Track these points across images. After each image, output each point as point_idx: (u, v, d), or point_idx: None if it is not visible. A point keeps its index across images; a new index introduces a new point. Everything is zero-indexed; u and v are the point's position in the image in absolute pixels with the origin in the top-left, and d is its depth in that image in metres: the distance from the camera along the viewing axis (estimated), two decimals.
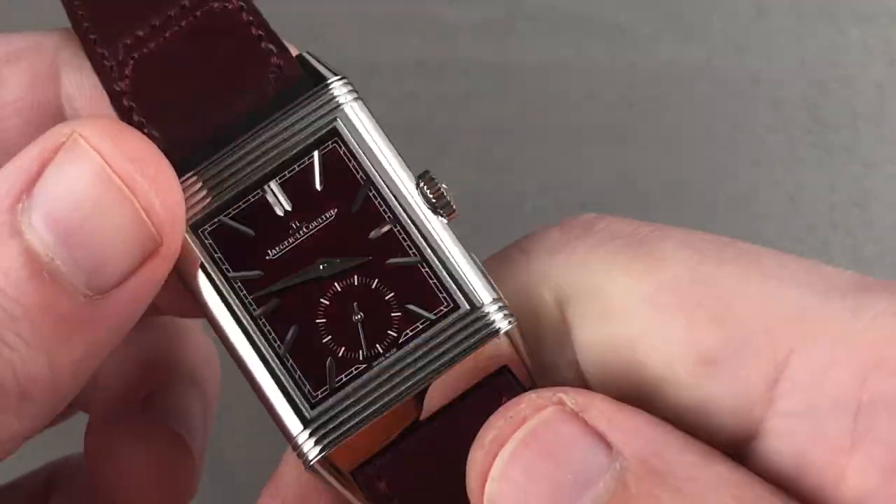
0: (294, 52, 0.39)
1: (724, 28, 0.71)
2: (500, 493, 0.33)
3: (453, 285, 0.37)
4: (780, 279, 0.34)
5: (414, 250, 0.37)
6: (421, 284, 0.37)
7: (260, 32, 0.38)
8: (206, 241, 0.37)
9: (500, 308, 0.36)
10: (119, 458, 0.46)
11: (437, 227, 0.37)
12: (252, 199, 0.37)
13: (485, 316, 0.36)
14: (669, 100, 0.70)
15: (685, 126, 0.70)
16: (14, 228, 0.34)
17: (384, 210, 0.37)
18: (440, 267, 0.37)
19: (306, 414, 0.36)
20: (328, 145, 0.38)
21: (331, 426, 0.36)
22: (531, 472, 0.33)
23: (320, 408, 0.36)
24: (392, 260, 0.37)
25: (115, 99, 0.38)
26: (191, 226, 0.37)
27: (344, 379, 0.36)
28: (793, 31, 0.71)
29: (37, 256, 0.34)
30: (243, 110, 0.37)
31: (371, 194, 0.37)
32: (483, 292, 0.36)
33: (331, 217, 0.37)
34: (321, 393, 0.36)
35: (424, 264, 0.37)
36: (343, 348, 0.37)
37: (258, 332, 0.36)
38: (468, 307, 0.36)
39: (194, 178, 0.37)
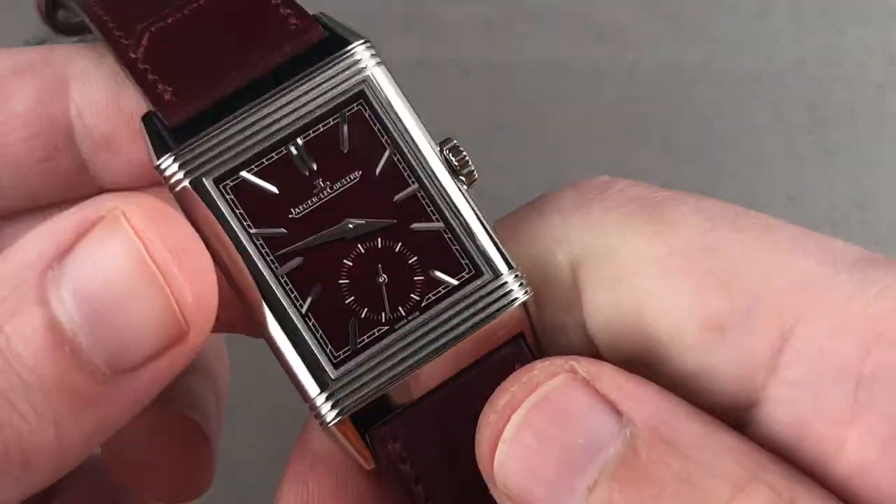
0: None
1: (724, 28, 0.72)
2: (511, 455, 0.34)
3: (475, 252, 0.37)
4: (790, 249, 0.35)
5: (437, 216, 0.37)
6: (444, 250, 0.37)
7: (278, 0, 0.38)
8: (227, 197, 0.37)
9: (517, 277, 0.37)
10: (136, 446, 0.45)
11: (459, 193, 0.37)
12: (276, 157, 0.37)
13: (504, 285, 0.37)
14: (669, 100, 0.70)
15: (685, 126, 0.70)
16: (41, 296, 0.33)
17: (408, 174, 0.37)
18: (463, 233, 0.37)
19: (328, 375, 0.36)
20: (353, 107, 0.37)
21: (350, 390, 0.36)
22: (543, 436, 0.33)
23: (342, 369, 0.36)
24: (416, 224, 0.37)
25: (131, 66, 0.38)
26: (213, 180, 0.36)
27: (366, 340, 0.36)
28: (793, 31, 0.71)
29: (60, 329, 0.33)
30: (263, 68, 0.37)
31: (396, 158, 0.37)
32: (503, 261, 0.37)
33: (355, 179, 0.37)
34: (343, 353, 0.36)
35: (448, 230, 0.37)
36: (366, 310, 0.36)
37: (281, 291, 0.36)
38: (490, 276, 0.37)
39: (216, 133, 0.36)
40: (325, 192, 0.37)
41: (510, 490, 0.34)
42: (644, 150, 0.70)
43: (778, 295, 0.34)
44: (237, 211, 0.36)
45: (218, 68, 0.37)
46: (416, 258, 0.37)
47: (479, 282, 0.37)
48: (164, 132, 0.37)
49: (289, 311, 0.36)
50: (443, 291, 0.37)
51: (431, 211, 0.37)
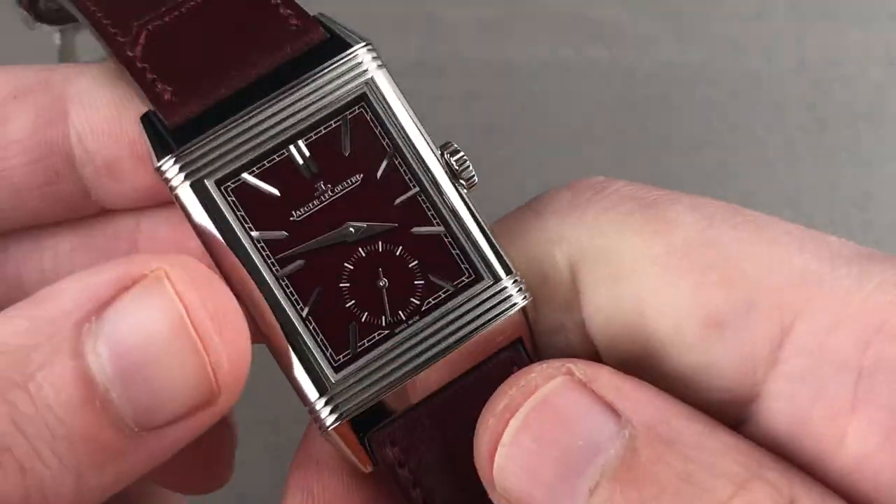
0: None
1: (724, 28, 0.72)
2: (510, 458, 0.34)
3: (475, 257, 0.37)
4: (787, 245, 0.35)
5: (438, 220, 0.37)
6: (444, 254, 0.37)
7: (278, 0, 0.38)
8: (228, 199, 0.36)
9: (516, 282, 0.37)
10: None
11: (459, 197, 0.37)
12: (277, 159, 0.37)
13: (504, 290, 0.37)
14: (669, 100, 0.70)
15: (685, 126, 0.70)
16: (76, 349, 0.33)
17: (409, 178, 0.37)
18: (463, 238, 0.37)
19: (328, 379, 0.36)
20: (355, 110, 0.37)
21: (349, 394, 0.36)
22: (542, 439, 0.34)
23: (342, 373, 0.36)
24: (417, 228, 0.37)
25: (129, 65, 0.38)
26: (215, 181, 0.36)
27: (366, 344, 0.36)
28: (793, 31, 0.71)
29: (93, 384, 0.33)
30: (264, 69, 0.37)
31: (396, 161, 0.37)
32: (502, 266, 0.37)
33: (356, 182, 0.37)
34: (343, 357, 0.36)
35: (448, 234, 0.37)
36: (366, 314, 0.36)
37: (281, 293, 0.36)
38: (489, 280, 0.37)
39: (217, 135, 0.36)
40: (326, 194, 0.37)
41: (509, 493, 0.34)
42: (644, 150, 0.70)
43: (777, 290, 0.34)
44: (238, 213, 0.36)
45: (218, 69, 0.37)
46: (416, 262, 0.37)
47: (478, 287, 0.37)
48: (164, 133, 0.37)
49: (289, 314, 0.36)
50: (443, 296, 0.37)
51: (432, 215, 0.37)
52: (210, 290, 0.34)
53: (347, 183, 0.37)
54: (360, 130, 0.37)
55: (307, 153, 0.37)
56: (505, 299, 0.37)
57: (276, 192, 0.37)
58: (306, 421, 0.38)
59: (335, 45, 0.38)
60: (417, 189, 0.37)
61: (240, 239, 0.36)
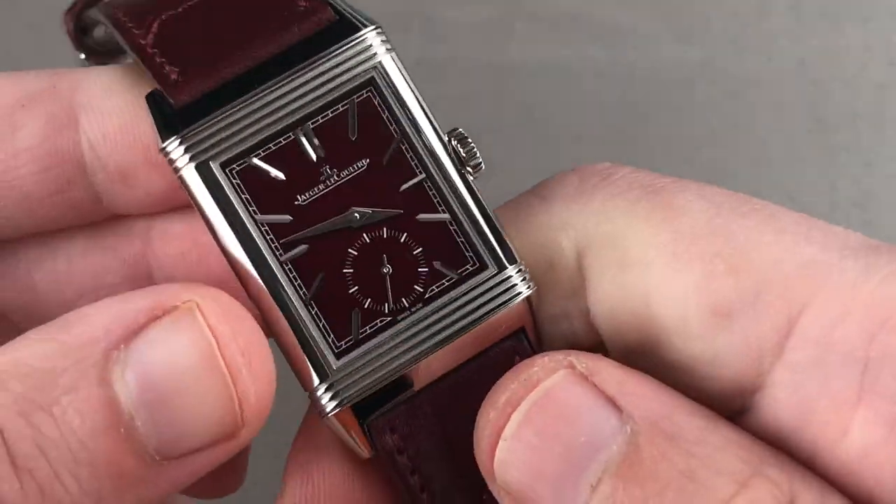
0: None
1: (724, 28, 0.71)
2: (512, 452, 0.34)
3: (480, 245, 0.37)
4: (795, 235, 0.35)
5: (444, 207, 0.37)
6: (449, 242, 0.37)
7: None
8: (233, 181, 0.36)
9: (521, 272, 0.37)
10: None
11: (465, 183, 0.37)
12: (284, 142, 0.37)
13: (508, 279, 0.37)
14: (669, 100, 0.70)
15: (685, 126, 0.70)
16: (104, 376, 0.33)
17: (416, 164, 0.37)
18: (469, 225, 0.37)
19: (329, 365, 0.36)
20: (363, 94, 0.37)
21: (350, 381, 0.36)
22: (544, 434, 0.34)
23: (343, 360, 0.36)
24: (422, 215, 0.37)
25: (140, 51, 0.37)
26: (220, 164, 0.36)
27: (368, 331, 0.36)
28: (793, 31, 0.71)
29: (119, 411, 0.33)
30: (271, 49, 0.37)
31: (403, 147, 0.37)
32: (507, 255, 0.37)
33: (363, 167, 0.37)
34: (345, 343, 0.36)
35: (453, 222, 0.37)
36: (369, 300, 0.36)
37: (285, 278, 0.36)
38: (494, 269, 0.37)
39: (223, 116, 0.36)
40: (331, 179, 0.37)
41: (510, 487, 0.34)
42: (644, 150, 0.70)
43: (784, 281, 0.34)
44: (243, 196, 0.36)
45: (224, 49, 0.37)
46: (420, 249, 0.37)
47: (483, 275, 0.37)
48: (169, 113, 0.36)
49: (292, 298, 0.36)
50: (446, 284, 0.37)
51: (438, 202, 0.37)
52: (241, 324, 0.34)
53: (353, 168, 0.37)
54: (367, 115, 0.37)
55: (314, 137, 0.37)
56: (509, 288, 0.37)
57: (281, 175, 0.36)
58: (307, 406, 0.38)
59: (344, 27, 0.37)
60: (424, 176, 0.37)
61: (244, 222, 0.36)
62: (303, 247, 0.36)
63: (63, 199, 0.40)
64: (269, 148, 0.36)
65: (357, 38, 0.37)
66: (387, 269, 0.37)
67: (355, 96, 0.37)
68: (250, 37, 0.37)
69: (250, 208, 0.36)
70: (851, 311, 0.33)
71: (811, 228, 0.35)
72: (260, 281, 0.36)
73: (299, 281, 0.36)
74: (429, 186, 0.37)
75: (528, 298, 0.37)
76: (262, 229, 0.36)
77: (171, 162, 0.36)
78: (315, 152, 0.37)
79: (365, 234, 0.37)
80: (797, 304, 0.34)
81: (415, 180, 0.37)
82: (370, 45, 0.37)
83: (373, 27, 0.37)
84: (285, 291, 0.36)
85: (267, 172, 0.36)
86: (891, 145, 0.70)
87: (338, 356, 0.36)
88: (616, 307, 0.37)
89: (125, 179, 0.39)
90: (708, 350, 0.35)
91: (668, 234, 0.36)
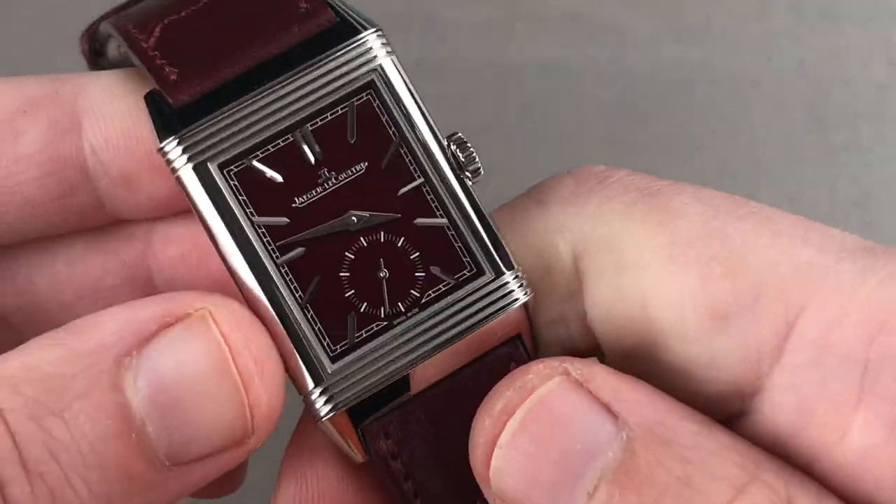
0: None
1: (724, 28, 0.71)
2: (507, 460, 0.34)
3: (477, 251, 0.37)
4: (792, 237, 0.35)
5: (441, 211, 0.37)
6: (447, 247, 0.37)
7: None
8: (231, 183, 0.36)
9: (518, 278, 0.37)
10: None
11: (464, 188, 0.37)
12: (282, 144, 0.36)
13: (505, 285, 0.37)
14: (669, 100, 0.70)
15: (685, 126, 0.70)
16: (116, 382, 0.33)
17: (414, 168, 0.37)
18: (466, 230, 0.37)
19: (325, 369, 0.36)
20: (362, 97, 0.37)
21: (345, 385, 0.36)
22: (540, 442, 0.34)
23: (338, 364, 0.36)
24: (420, 220, 0.37)
25: (141, 54, 0.37)
26: (218, 165, 0.36)
27: (364, 335, 0.36)
28: (793, 31, 0.71)
29: (130, 417, 0.33)
30: (270, 50, 0.37)
31: (402, 151, 0.37)
32: (505, 261, 0.37)
33: (361, 170, 0.37)
34: (340, 347, 0.36)
35: (451, 227, 0.37)
36: (365, 304, 0.36)
37: (281, 281, 0.36)
38: (491, 275, 0.37)
39: (222, 117, 0.36)
40: (329, 182, 0.37)
41: (505, 495, 0.34)
42: (644, 150, 0.70)
43: (782, 283, 0.34)
44: (240, 198, 0.36)
45: (224, 49, 0.37)
46: (417, 254, 0.37)
47: (480, 281, 0.37)
48: (168, 113, 0.36)
49: (288, 301, 0.36)
50: (443, 289, 0.37)
51: (436, 206, 0.37)
52: (252, 333, 0.35)
53: (352, 171, 0.37)
54: (366, 118, 0.37)
55: (312, 139, 0.37)
56: (506, 295, 0.37)
57: (279, 177, 0.36)
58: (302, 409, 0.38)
59: (344, 29, 0.37)
60: (422, 180, 0.37)
61: (241, 224, 0.36)
62: (300, 249, 0.36)
63: (65, 204, 0.39)
64: (268, 150, 0.36)
65: (357, 41, 0.37)
66: (383, 273, 0.36)
67: (355, 99, 0.37)
68: (250, 37, 0.37)
69: (247, 210, 0.36)
70: (850, 313, 0.33)
71: (808, 231, 0.35)
72: (256, 283, 0.36)
73: (295, 284, 0.36)
74: (427, 191, 0.37)
75: (525, 304, 0.37)
76: (259, 231, 0.36)
77: (169, 162, 0.36)
78: (313, 155, 0.37)
79: (362, 238, 0.36)
80: (795, 306, 0.34)
81: (413, 184, 0.37)
82: (370, 48, 0.37)
83: (373, 30, 0.37)
84: (281, 294, 0.36)
85: (265, 174, 0.36)
86: (891, 145, 0.70)
87: (333, 360, 0.36)
88: (613, 310, 0.37)
89: (128, 184, 0.39)
90: (705, 353, 0.35)
91: (664, 238, 0.36)
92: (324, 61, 0.37)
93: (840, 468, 0.33)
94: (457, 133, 0.37)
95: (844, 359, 0.33)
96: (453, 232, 0.37)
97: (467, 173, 0.37)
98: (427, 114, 0.37)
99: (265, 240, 0.36)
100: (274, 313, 0.36)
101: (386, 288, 0.36)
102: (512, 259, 0.37)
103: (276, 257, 0.36)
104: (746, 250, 0.35)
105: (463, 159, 0.37)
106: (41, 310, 0.41)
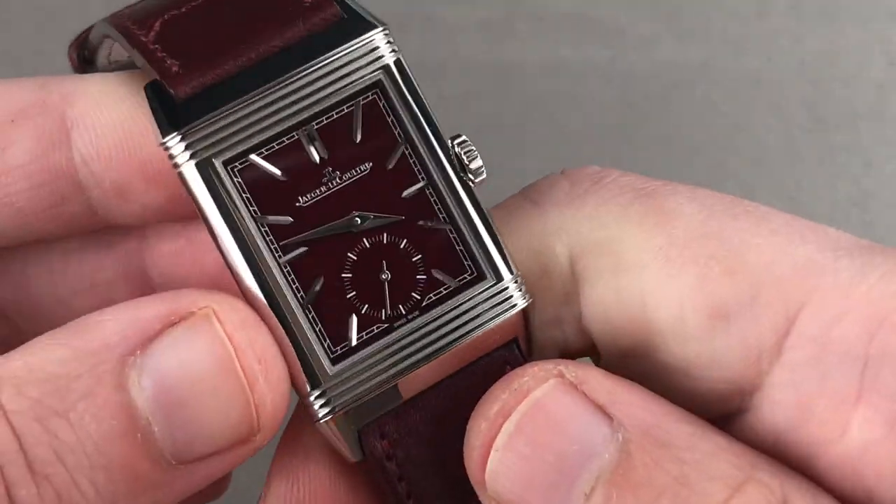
0: None
1: (724, 28, 0.71)
2: (504, 463, 0.34)
3: (479, 255, 0.36)
4: (789, 236, 0.35)
5: (444, 214, 0.37)
6: (449, 250, 0.37)
7: None
8: (234, 180, 0.36)
9: (518, 283, 0.37)
10: None
11: (467, 191, 0.37)
12: (287, 142, 0.36)
13: (506, 290, 0.36)
14: (669, 100, 0.70)
15: (685, 126, 0.70)
16: (120, 382, 0.33)
17: (419, 170, 0.37)
18: (469, 234, 0.36)
19: (324, 370, 0.35)
20: (369, 97, 0.37)
21: (344, 388, 0.35)
22: (536, 444, 0.34)
23: (338, 366, 0.35)
24: (423, 222, 0.37)
25: (141, 48, 0.36)
26: (223, 162, 0.35)
27: (365, 337, 0.36)
28: (793, 31, 0.71)
29: (135, 417, 0.33)
30: (275, 45, 0.36)
31: (407, 152, 0.37)
32: (506, 266, 0.36)
33: (366, 170, 0.36)
34: (340, 349, 0.36)
35: (454, 230, 0.37)
36: (367, 306, 0.36)
37: (283, 280, 0.35)
38: (492, 280, 0.36)
39: (226, 113, 0.35)
40: (334, 181, 0.36)
41: (501, 497, 0.34)
42: (644, 150, 0.70)
43: (781, 281, 0.34)
44: (244, 195, 0.36)
45: (226, 42, 0.36)
46: (420, 256, 0.36)
47: (480, 285, 0.36)
48: (170, 106, 0.35)
49: (289, 301, 0.35)
50: (444, 292, 0.37)
51: (439, 209, 0.37)
52: (256, 332, 0.35)
53: (356, 171, 0.36)
54: (372, 118, 0.37)
55: (317, 138, 0.36)
56: (506, 300, 0.36)
57: (283, 176, 0.36)
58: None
59: (352, 26, 0.37)
60: (426, 182, 0.37)
61: (244, 222, 0.35)
62: (302, 249, 0.36)
63: (57, 213, 0.39)
64: (273, 147, 0.36)
65: (365, 39, 0.36)
66: (386, 275, 0.36)
67: (361, 98, 0.36)
68: (253, 32, 0.36)
69: (251, 208, 0.36)
70: (849, 309, 0.33)
71: (804, 229, 0.35)
72: (258, 282, 0.35)
73: (297, 284, 0.36)
74: (430, 193, 0.37)
75: (525, 310, 0.37)
76: (263, 230, 0.36)
77: (171, 157, 0.35)
78: (318, 154, 0.36)
79: (365, 239, 0.36)
80: (795, 303, 0.34)
81: (417, 186, 0.37)
82: (378, 47, 0.36)
83: (381, 28, 0.37)
84: (283, 294, 0.35)
85: (269, 172, 0.36)
86: (891, 145, 0.70)
87: (333, 362, 0.36)
88: (611, 312, 0.37)
89: (122, 195, 0.39)
90: (705, 352, 0.35)
91: (661, 238, 0.36)
92: (330, 58, 0.36)
93: (839, 464, 0.33)
94: (460, 135, 0.37)
95: (844, 355, 0.33)
96: (455, 235, 0.37)
97: (470, 176, 0.37)
98: (433, 115, 0.37)
99: (268, 238, 0.36)
100: (274, 313, 0.35)
101: (387, 290, 0.36)
102: (512, 264, 0.37)
103: (279, 257, 0.36)
104: (744, 249, 0.35)
105: (467, 162, 0.37)
106: (37, 304, 0.41)
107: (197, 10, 0.37)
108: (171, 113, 0.35)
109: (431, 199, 0.37)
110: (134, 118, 0.38)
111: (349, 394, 0.36)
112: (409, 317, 0.36)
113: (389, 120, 0.37)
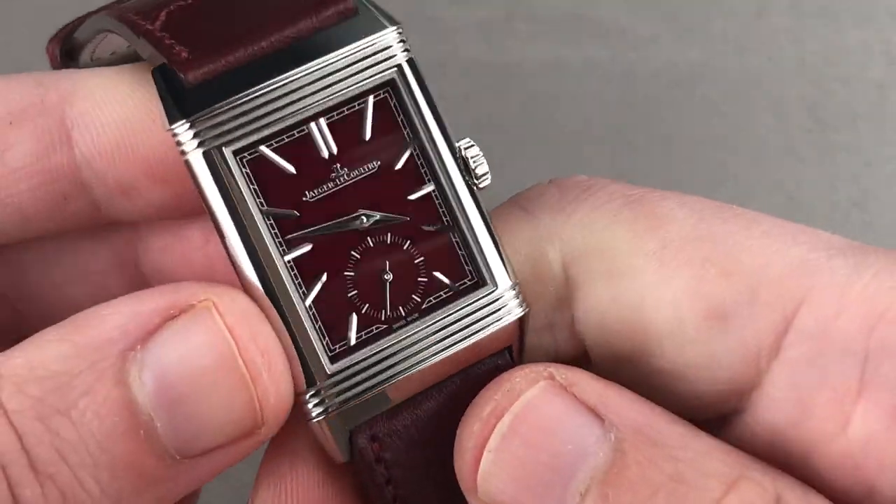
0: None
1: (724, 28, 0.71)
2: (497, 464, 0.34)
3: (480, 260, 0.36)
4: (781, 237, 0.35)
5: (448, 218, 0.36)
6: (451, 254, 0.36)
7: None
8: (243, 170, 0.35)
9: (517, 292, 0.36)
10: None
11: (472, 198, 0.36)
12: (297, 135, 0.36)
13: (504, 297, 0.36)
14: (669, 100, 0.70)
15: (685, 126, 0.70)
16: (120, 378, 0.33)
17: (426, 173, 0.36)
18: (471, 239, 0.36)
19: (322, 368, 0.35)
20: (380, 95, 0.36)
21: (340, 388, 0.35)
22: (530, 445, 0.34)
23: (336, 365, 0.35)
24: (427, 224, 0.36)
25: (149, 36, 0.36)
26: (232, 151, 0.35)
27: (363, 337, 0.36)
28: (793, 31, 0.71)
29: (137, 412, 0.33)
30: (287, 36, 0.35)
31: (415, 153, 0.36)
32: (506, 273, 0.36)
33: (374, 169, 0.36)
34: (339, 347, 0.36)
35: (457, 234, 0.36)
36: (367, 305, 0.36)
37: (287, 276, 0.35)
38: (492, 287, 0.36)
39: (236, 103, 0.35)
40: (341, 178, 0.36)
41: (493, 498, 0.34)
42: (644, 149, 0.70)
43: (778, 280, 0.34)
44: (252, 187, 0.35)
45: (238, 32, 0.35)
46: (422, 258, 0.36)
47: (480, 292, 0.36)
48: (179, 91, 0.35)
49: (291, 296, 0.35)
50: (444, 296, 0.36)
51: (443, 212, 0.37)
52: (258, 325, 0.34)
53: (364, 169, 0.36)
54: (382, 117, 0.36)
55: (327, 133, 0.36)
56: (505, 307, 0.36)
57: (292, 169, 0.36)
58: None
59: (367, 23, 0.36)
60: (433, 185, 0.36)
61: (251, 213, 0.35)
62: (307, 245, 0.36)
63: (60, 211, 0.39)
64: (282, 140, 0.35)
65: (380, 37, 0.36)
66: (388, 275, 0.36)
67: (372, 96, 0.36)
68: (265, 22, 0.36)
69: (258, 200, 0.35)
70: (847, 306, 0.33)
71: (795, 231, 0.36)
72: (259, 275, 0.35)
73: (300, 279, 0.35)
74: (436, 195, 0.36)
75: (521, 319, 0.37)
76: (268, 223, 0.35)
77: (179, 144, 0.35)
78: (327, 149, 0.36)
79: (369, 238, 0.36)
80: (792, 302, 0.34)
81: (424, 188, 0.36)
82: (391, 46, 0.36)
83: (395, 27, 0.37)
84: (284, 288, 0.35)
85: (278, 164, 0.35)
86: (891, 145, 0.70)
87: (331, 360, 0.35)
88: (606, 317, 0.37)
89: (125, 193, 0.38)
90: (703, 354, 0.35)
91: (654, 243, 0.36)
92: (343, 54, 0.36)
93: (839, 460, 0.33)
94: (467, 138, 0.37)
95: (844, 351, 0.33)
96: (458, 239, 0.37)
97: (476, 181, 0.37)
98: (442, 117, 0.37)
99: (273, 232, 0.35)
100: (276, 309, 0.35)
101: (389, 290, 0.36)
102: (512, 272, 0.37)
103: (283, 251, 0.35)
104: (738, 251, 0.35)
105: (473, 167, 0.37)
106: (34, 290, 0.41)
107: (203, 1, 0.37)
108: (180, 99, 0.35)
109: (437, 202, 0.37)
110: (135, 114, 0.37)
111: (345, 393, 0.35)
112: (408, 319, 0.36)
113: (399, 120, 0.37)
